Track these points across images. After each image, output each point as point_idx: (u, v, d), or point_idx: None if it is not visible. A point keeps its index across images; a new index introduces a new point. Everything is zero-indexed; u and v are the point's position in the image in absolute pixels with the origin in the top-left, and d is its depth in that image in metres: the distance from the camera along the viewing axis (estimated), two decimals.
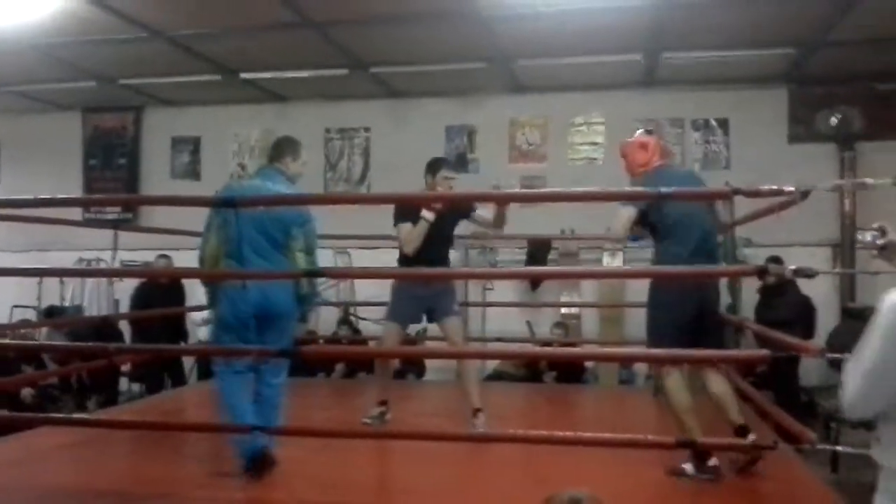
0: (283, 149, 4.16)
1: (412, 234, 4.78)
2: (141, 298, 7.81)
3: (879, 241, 2.15)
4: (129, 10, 6.54)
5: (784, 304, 6.80)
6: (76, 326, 8.11)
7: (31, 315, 8.97)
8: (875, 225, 2.17)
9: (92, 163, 10.07)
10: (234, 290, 3.89)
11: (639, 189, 3.81)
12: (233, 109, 9.56)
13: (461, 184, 8.71)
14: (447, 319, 5.01)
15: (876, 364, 1.83)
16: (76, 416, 5.97)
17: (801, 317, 6.94)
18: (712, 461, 3.69)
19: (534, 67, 8.11)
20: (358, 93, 9.08)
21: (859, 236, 2.21)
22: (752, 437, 3.74)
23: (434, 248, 4.81)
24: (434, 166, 4.99)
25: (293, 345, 4.13)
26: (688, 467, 3.73)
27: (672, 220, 3.80)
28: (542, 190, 8.22)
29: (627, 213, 3.81)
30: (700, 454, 3.70)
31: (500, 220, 4.84)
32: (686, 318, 3.77)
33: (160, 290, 7.57)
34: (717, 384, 3.85)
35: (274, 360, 3.97)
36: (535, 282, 8.41)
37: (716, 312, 3.94)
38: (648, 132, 4.16)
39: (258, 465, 3.79)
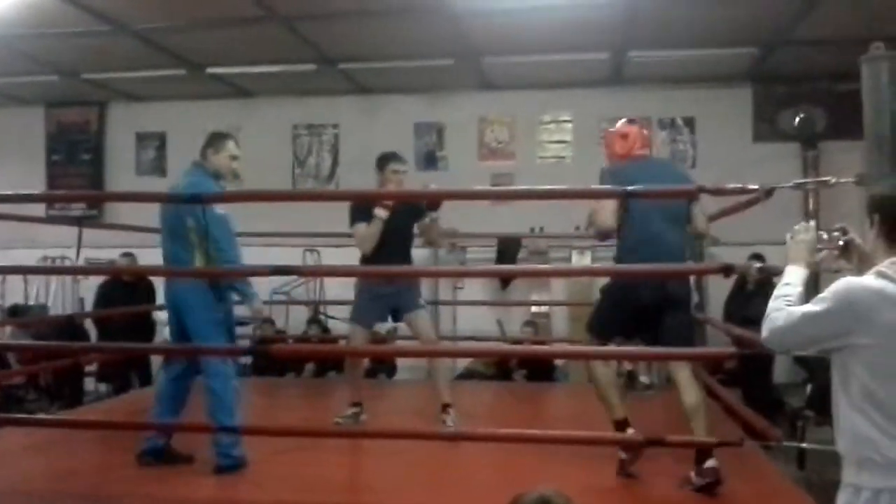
0: (206, 143, 4.20)
1: (367, 233, 4.78)
2: (104, 297, 7.69)
3: (840, 242, 2.20)
4: (92, 2, 6.42)
5: (764, 302, 6.82)
6: (41, 326, 7.97)
7: None
8: (837, 226, 2.22)
9: (55, 158, 9.89)
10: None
11: (605, 187, 3.82)
12: (199, 105, 9.44)
13: (431, 181, 8.78)
14: (413, 314, 4.98)
15: (818, 313, 2.02)
16: (41, 416, 5.88)
17: None
18: (710, 462, 3.52)
19: (502, 65, 8.13)
20: (326, 89, 9.03)
21: (823, 236, 2.27)
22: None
23: (392, 246, 4.80)
24: (382, 161, 5.02)
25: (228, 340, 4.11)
26: (692, 476, 3.58)
27: (636, 211, 3.72)
28: (511, 188, 8.24)
29: (610, 202, 3.76)
30: (698, 457, 3.57)
31: (431, 239, 4.96)
32: (630, 308, 3.72)
33: (124, 289, 7.47)
34: (690, 395, 3.70)
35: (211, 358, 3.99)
36: (505, 280, 8.43)
37: (679, 309, 3.76)
38: (631, 121, 4.11)
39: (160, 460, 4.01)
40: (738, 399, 4.94)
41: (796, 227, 2.32)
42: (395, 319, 5.18)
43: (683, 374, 3.70)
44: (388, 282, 4.96)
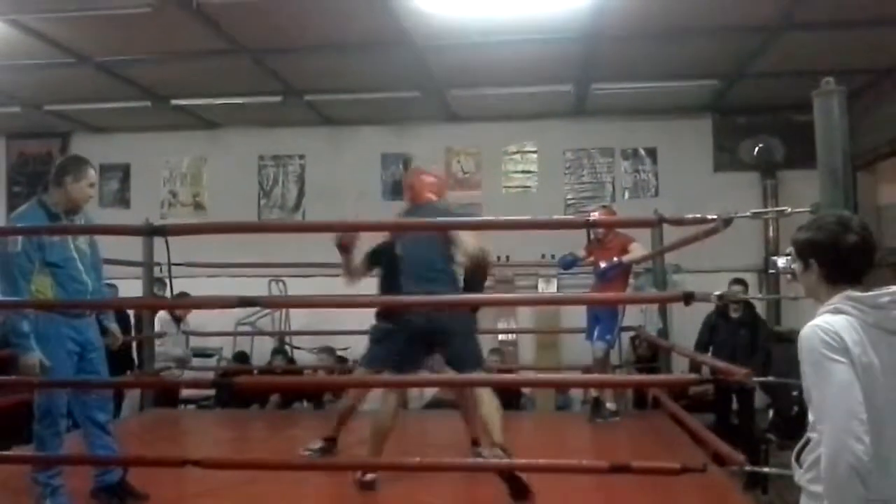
0: (61, 170, 3.81)
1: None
2: None
3: (792, 266, 2.23)
4: (55, 34, 6.39)
5: (748, 331, 6.84)
6: None
7: None
8: (788, 251, 2.25)
9: (16, 190, 9.77)
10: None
11: (569, 217, 3.89)
12: (164, 136, 9.41)
13: (398, 211, 8.80)
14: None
15: (836, 380, 1.88)
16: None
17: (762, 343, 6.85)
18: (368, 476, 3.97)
19: (467, 97, 8.22)
20: (292, 120, 9.05)
21: (776, 261, 2.30)
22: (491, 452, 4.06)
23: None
24: None
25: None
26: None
27: (404, 253, 4.22)
28: (477, 218, 8.26)
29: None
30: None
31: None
32: (403, 340, 4.15)
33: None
34: (485, 405, 4.04)
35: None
36: (472, 309, 8.41)
37: (454, 333, 4.18)
38: (423, 173, 4.65)
39: (119, 494, 3.80)
40: (706, 425, 4.97)
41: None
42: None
43: (480, 389, 4.17)
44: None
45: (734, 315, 6.74)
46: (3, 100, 8.22)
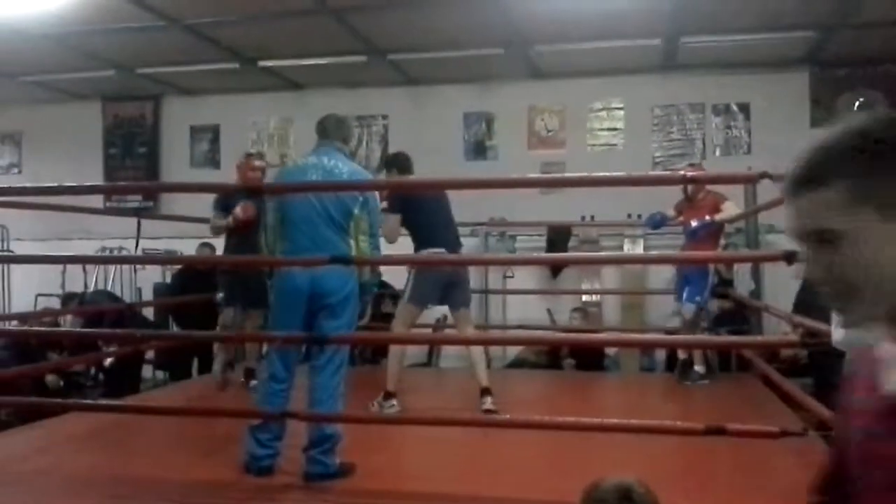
0: (337, 126, 4.02)
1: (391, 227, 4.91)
2: (178, 286, 7.81)
3: None
4: None
5: None
6: (100, 314, 8.14)
7: (54, 303, 9.03)
8: None
9: (112, 152, 10.11)
10: (281, 276, 3.83)
11: (663, 173, 3.78)
12: (251, 98, 9.56)
13: (481, 171, 8.78)
14: (461, 312, 5.21)
15: None
16: (104, 401, 6.02)
17: None
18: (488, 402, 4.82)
19: (552, 53, 8.06)
20: (376, 80, 9.06)
21: None
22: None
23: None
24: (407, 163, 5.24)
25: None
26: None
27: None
28: (561, 175, 8.18)
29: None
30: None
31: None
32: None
33: (197, 278, 7.51)
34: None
35: (323, 349, 3.70)
36: (555, 269, 8.38)
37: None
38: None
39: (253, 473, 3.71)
40: (805, 389, 4.81)
41: None
42: (442, 302, 5.25)
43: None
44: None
45: None
46: (99, 64, 8.48)
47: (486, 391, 4.93)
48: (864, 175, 0.95)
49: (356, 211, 3.75)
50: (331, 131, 3.97)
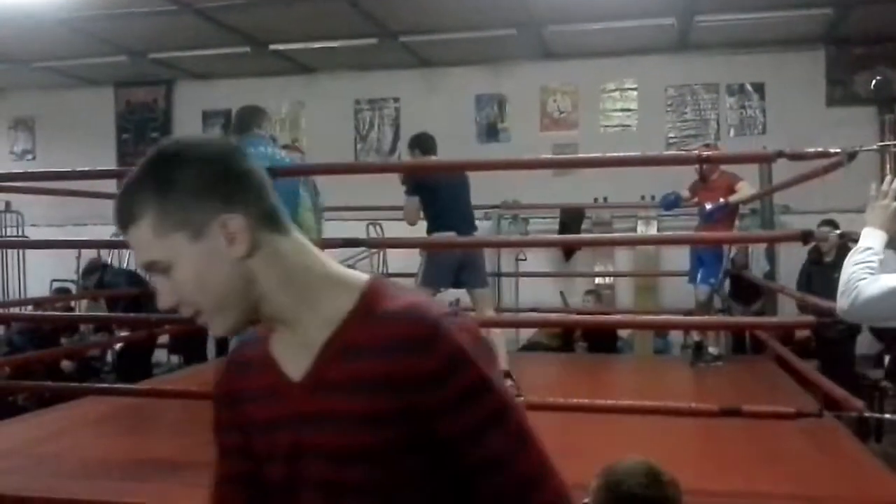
0: (251, 117, 4.20)
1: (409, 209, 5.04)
2: None
3: None
4: None
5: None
6: (114, 298, 8.17)
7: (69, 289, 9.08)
8: None
9: (125, 137, 10.15)
10: None
11: (678, 153, 3.75)
12: (263, 82, 9.54)
13: (493, 153, 8.74)
14: (479, 291, 5.16)
15: None
16: (120, 385, 6.06)
17: None
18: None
19: (564, 33, 8.00)
20: (387, 63, 9.03)
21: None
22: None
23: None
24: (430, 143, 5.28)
25: None
26: None
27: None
28: (574, 156, 8.13)
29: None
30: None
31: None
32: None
33: None
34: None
35: None
36: (568, 251, 8.35)
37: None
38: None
39: None
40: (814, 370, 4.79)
41: (882, 188, 2.19)
42: (456, 285, 5.23)
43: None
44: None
45: (827, 259, 6.35)
46: (110, 49, 8.48)
47: (506, 375, 4.93)
48: (161, 208, 1.03)
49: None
50: (250, 122, 4.16)
